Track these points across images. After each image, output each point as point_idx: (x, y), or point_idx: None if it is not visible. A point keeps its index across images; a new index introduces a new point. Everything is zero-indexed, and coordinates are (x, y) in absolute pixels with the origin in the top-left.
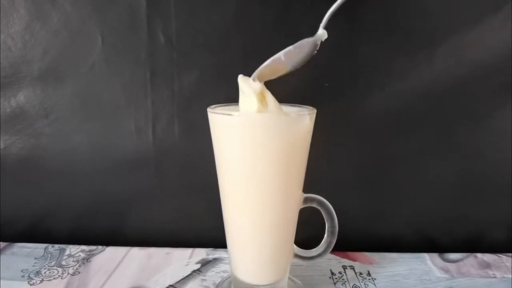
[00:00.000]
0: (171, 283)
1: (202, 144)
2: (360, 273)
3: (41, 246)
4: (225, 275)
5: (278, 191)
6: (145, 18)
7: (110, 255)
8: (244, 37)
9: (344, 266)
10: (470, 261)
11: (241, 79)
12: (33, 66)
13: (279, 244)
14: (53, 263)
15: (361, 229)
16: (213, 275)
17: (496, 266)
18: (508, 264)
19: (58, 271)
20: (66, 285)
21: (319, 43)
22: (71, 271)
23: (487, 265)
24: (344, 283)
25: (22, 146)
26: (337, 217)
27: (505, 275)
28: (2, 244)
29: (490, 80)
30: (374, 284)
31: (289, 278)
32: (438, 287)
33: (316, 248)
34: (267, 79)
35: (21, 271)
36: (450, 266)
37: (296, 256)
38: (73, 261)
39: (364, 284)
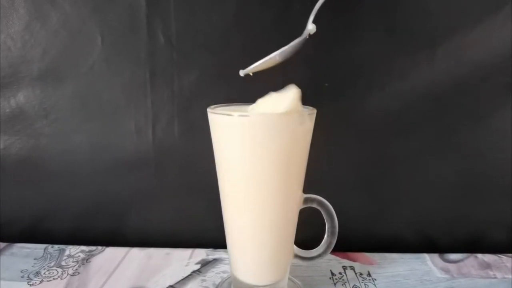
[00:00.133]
0: (171, 284)
1: (202, 144)
2: (360, 274)
3: (41, 246)
4: (225, 275)
5: (278, 192)
6: (144, 18)
7: (109, 256)
8: (244, 37)
9: (344, 266)
10: (470, 262)
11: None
12: (32, 66)
13: (279, 244)
14: (52, 264)
15: (361, 229)
16: (213, 275)
17: (496, 267)
18: (508, 265)
19: (58, 272)
20: (65, 285)
21: (307, 37)
22: (70, 271)
23: (487, 266)
24: (344, 284)
25: (21, 147)
26: (337, 217)
27: (506, 276)
28: (2, 244)
29: (490, 80)
30: (374, 285)
31: (289, 278)
32: None
33: (316, 248)
34: (257, 70)
35: (21, 271)
36: (451, 266)
37: (296, 256)
38: (73, 262)
39: (365, 284)
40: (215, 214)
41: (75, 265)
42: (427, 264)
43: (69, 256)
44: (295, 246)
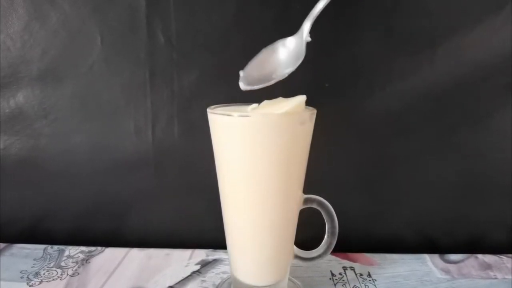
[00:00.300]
0: (171, 284)
1: (201, 145)
2: (361, 274)
3: (40, 247)
4: (225, 276)
5: (278, 192)
6: (144, 18)
7: (109, 256)
8: (244, 37)
9: (345, 267)
10: (471, 262)
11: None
12: (32, 66)
13: (279, 245)
14: (52, 264)
15: (361, 230)
16: (213, 276)
17: (497, 267)
18: (509, 265)
19: (57, 272)
20: (65, 286)
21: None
22: (70, 272)
23: (488, 266)
24: (345, 284)
25: (21, 147)
26: (337, 217)
27: (506, 276)
28: (1, 245)
29: (491, 80)
30: (375, 285)
31: (289, 279)
32: None
33: (316, 249)
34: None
35: (20, 272)
36: (451, 267)
37: (296, 257)
38: (72, 262)
39: (365, 285)
40: (215, 214)
41: (74, 266)
42: (428, 264)
43: (69, 256)
44: (295, 247)
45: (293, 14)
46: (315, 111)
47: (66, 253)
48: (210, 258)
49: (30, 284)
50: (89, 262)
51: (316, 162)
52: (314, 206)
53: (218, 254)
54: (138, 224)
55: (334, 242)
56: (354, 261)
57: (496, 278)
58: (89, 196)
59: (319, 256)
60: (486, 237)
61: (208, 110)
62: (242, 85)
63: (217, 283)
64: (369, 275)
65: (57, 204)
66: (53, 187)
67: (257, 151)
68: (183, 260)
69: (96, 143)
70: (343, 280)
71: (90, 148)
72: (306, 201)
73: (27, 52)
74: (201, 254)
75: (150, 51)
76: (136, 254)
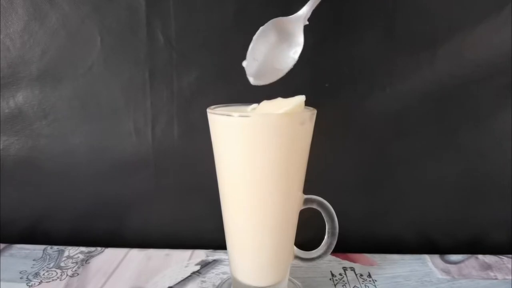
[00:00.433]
0: (171, 285)
1: (201, 145)
2: (361, 275)
3: (40, 247)
4: (225, 276)
5: (278, 192)
6: (144, 19)
7: (109, 257)
8: (244, 37)
9: (345, 267)
10: (471, 263)
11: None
12: (31, 66)
13: (279, 245)
14: (51, 265)
15: (361, 230)
16: (213, 276)
17: (497, 268)
18: (509, 266)
19: (57, 273)
20: (65, 286)
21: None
22: (70, 272)
23: (488, 267)
24: (345, 285)
25: (20, 147)
26: (338, 218)
27: (507, 277)
28: (1, 245)
29: (492, 81)
30: (375, 286)
31: (289, 279)
32: None
33: (317, 249)
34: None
35: (20, 272)
36: (451, 267)
37: (296, 257)
38: (72, 263)
39: (365, 285)
40: (214, 215)
41: (74, 266)
42: (428, 265)
43: (68, 257)
44: (295, 247)
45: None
46: (315, 111)
47: (66, 253)
48: (210, 258)
49: (30, 284)
50: (89, 263)
51: (316, 163)
52: (314, 206)
53: (218, 254)
54: (138, 225)
55: (334, 243)
56: (354, 261)
57: (496, 279)
58: (89, 196)
59: (319, 257)
60: (487, 237)
61: (208, 110)
62: (252, 80)
63: (217, 283)
64: (369, 275)
65: (57, 205)
66: (52, 187)
67: (257, 151)
68: (183, 261)
69: (95, 144)
70: (343, 281)
71: (90, 149)
72: (306, 201)
73: (26, 52)
74: (201, 255)
75: (149, 51)
76: (136, 255)
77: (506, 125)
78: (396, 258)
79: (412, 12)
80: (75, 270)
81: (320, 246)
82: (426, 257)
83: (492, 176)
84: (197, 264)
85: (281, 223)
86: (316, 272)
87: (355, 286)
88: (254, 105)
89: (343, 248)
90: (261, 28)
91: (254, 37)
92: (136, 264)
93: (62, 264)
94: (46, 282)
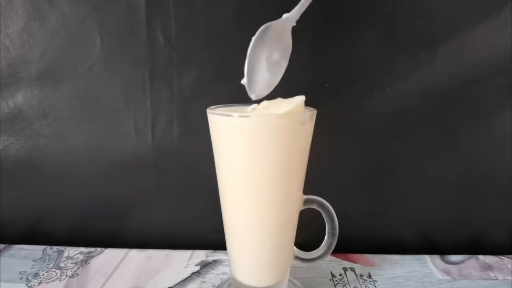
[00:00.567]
0: (170, 285)
1: (201, 145)
2: (361, 275)
3: (39, 248)
4: (225, 277)
5: (278, 193)
6: (144, 19)
7: (108, 257)
8: (244, 37)
9: (345, 268)
10: (471, 263)
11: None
12: (31, 66)
13: (279, 246)
14: (51, 265)
15: (361, 230)
16: (213, 277)
17: (497, 268)
18: (510, 266)
19: (57, 273)
20: (64, 287)
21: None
22: (69, 273)
23: (488, 267)
24: (345, 285)
25: (20, 148)
26: (338, 218)
27: (507, 277)
28: (0, 246)
29: (492, 81)
30: (375, 286)
31: (289, 280)
32: None
33: (317, 250)
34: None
35: (19, 273)
36: (452, 268)
37: (296, 258)
38: (72, 263)
39: (365, 286)
40: (214, 215)
41: (74, 267)
42: (428, 265)
43: (68, 257)
44: (295, 248)
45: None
46: (315, 111)
47: (66, 254)
48: (210, 259)
49: (29, 285)
50: (89, 263)
51: (316, 163)
52: (314, 207)
53: (218, 255)
54: (138, 225)
55: (334, 243)
56: (354, 262)
57: (496, 279)
58: (89, 196)
59: (319, 257)
60: (487, 237)
61: (208, 110)
62: (254, 97)
63: (217, 284)
64: (369, 276)
65: (56, 205)
66: (52, 187)
67: (257, 151)
68: (182, 261)
69: (95, 144)
70: (344, 281)
71: (90, 149)
72: (306, 201)
73: (26, 52)
74: (200, 255)
75: (149, 51)
76: (136, 255)
77: (506, 125)
78: (396, 259)
79: (412, 12)
80: (75, 271)
81: (320, 246)
82: (426, 257)
83: (492, 176)
84: (197, 265)
85: (281, 223)
86: (316, 273)
87: (355, 286)
88: (254, 105)
89: (343, 248)
90: (253, 38)
91: (248, 52)
92: (136, 264)
93: (61, 265)
94: (46, 282)
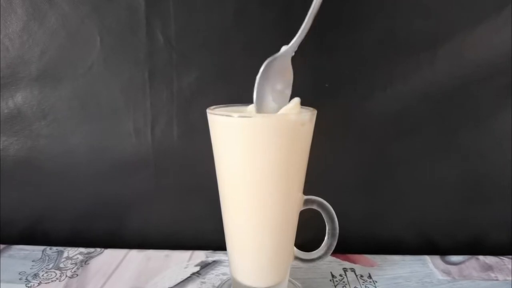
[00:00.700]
0: (170, 286)
1: (201, 146)
2: (361, 276)
3: (39, 248)
4: (225, 277)
5: (278, 193)
6: (144, 19)
7: (108, 258)
8: (244, 37)
9: (345, 268)
10: (472, 264)
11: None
12: (30, 66)
13: (279, 246)
14: (51, 266)
15: (362, 231)
16: (213, 277)
17: (498, 269)
18: (510, 266)
19: (56, 274)
20: (64, 287)
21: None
22: (69, 273)
23: (489, 268)
24: (345, 286)
25: (19, 148)
26: (338, 219)
27: (507, 278)
28: (0, 246)
29: (492, 81)
30: (375, 287)
31: (289, 280)
32: None
33: (317, 250)
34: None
35: (19, 273)
36: (452, 268)
37: (297, 258)
38: (71, 264)
39: (365, 286)
40: (214, 215)
41: (73, 267)
42: (428, 266)
43: (68, 258)
44: (295, 248)
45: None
46: (315, 111)
47: (65, 254)
48: (210, 259)
49: (29, 285)
50: (88, 264)
51: (317, 163)
52: (314, 207)
53: (217, 255)
54: (138, 225)
55: (335, 244)
56: (354, 262)
57: (497, 280)
58: (88, 197)
59: (320, 258)
60: (487, 238)
61: (208, 110)
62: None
63: (216, 284)
64: (369, 276)
65: (56, 205)
66: (52, 188)
67: (257, 152)
68: (182, 262)
69: (95, 144)
70: (344, 282)
71: (89, 149)
72: (306, 202)
73: (25, 52)
74: (200, 256)
75: (149, 51)
76: (135, 256)
77: (506, 125)
78: (396, 259)
79: (412, 12)
80: (74, 271)
81: (320, 247)
82: (427, 258)
83: (492, 177)
84: (196, 265)
85: (281, 224)
86: (316, 273)
87: (355, 287)
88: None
89: (343, 249)
90: (257, 77)
91: (255, 87)
92: (136, 265)
93: (61, 265)
94: (45, 283)
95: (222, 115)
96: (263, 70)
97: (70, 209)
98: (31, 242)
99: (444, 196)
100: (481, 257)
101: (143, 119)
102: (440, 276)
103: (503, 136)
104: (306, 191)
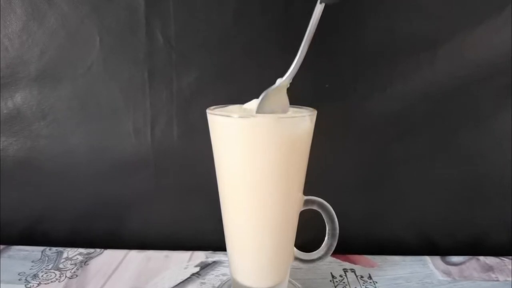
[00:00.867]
0: (170, 286)
1: (201, 146)
2: (361, 276)
3: (38, 249)
4: (225, 278)
5: (278, 193)
6: (143, 19)
7: (108, 258)
8: (243, 37)
9: (345, 269)
10: (472, 264)
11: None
12: (30, 67)
13: (279, 246)
14: (50, 266)
15: (362, 231)
16: (213, 278)
17: (498, 269)
18: (510, 267)
19: (56, 274)
20: None
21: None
22: (68, 274)
23: (489, 268)
24: (345, 286)
25: (19, 148)
26: (338, 219)
27: (508, 278)
28: (0, 246)
29: (492, 81)
30: (375, 287)
31: (289, 281)
32: None
33: (317, 251)
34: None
35: (18, 274)
36: (452, 269)
37: (297, 259)
38: (71, 264)
39: (365, 287)
40: (214, 216)
41: (73, 268)
42: (429, 266)
43: (67, 258)
44: (295, 249)
45: (293, 14)
46: (315, 112)
47: (65, 255)
48: (210, 260)
49: (28, 286)
50: (88, 264)
51: (317, 164)
52: (315, 207)
53: (217, 256)
54: (137, 226)
55: (335, 244)
56: (354, 263)
57: (497, 280)
58: (88, 197)
59: (320, 258)
60: (488, 238)
61: (208, 111)
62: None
63: (216, 285)
64: (369, 277)
65: (56, 206)
66: (51, 188)
67: (257, 152)
68: (182, 262)
69: (94, 144)
70: (344, 282)
71: (89, 149)
72: (306, 202)
73: (25, 52)
74: (200, 256)
75: (149, 51)
76: (135, 256)
77: (506, 125)
78: (396, 260)
79: (412, 12)
80: (74, 272)
81: (321, 247)
82: (427, 258)
83: (492, 177)
84: (196, 266)
85: (281, 224)
86: (316, 274)
87: (355, 287)
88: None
89: (343, 249)
90: (257, 104)
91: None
92: (136, 265)
93: (61, 266)
94: (45, 283)
95: (222, 115)
96: (260, 103)
97: (70, 209)
98: (31, 242)
99: (444, 196)
100: (481, 258)
101: (143, 119)
102: (440, 276)
103: (503, 136)
104: (306, 191)
